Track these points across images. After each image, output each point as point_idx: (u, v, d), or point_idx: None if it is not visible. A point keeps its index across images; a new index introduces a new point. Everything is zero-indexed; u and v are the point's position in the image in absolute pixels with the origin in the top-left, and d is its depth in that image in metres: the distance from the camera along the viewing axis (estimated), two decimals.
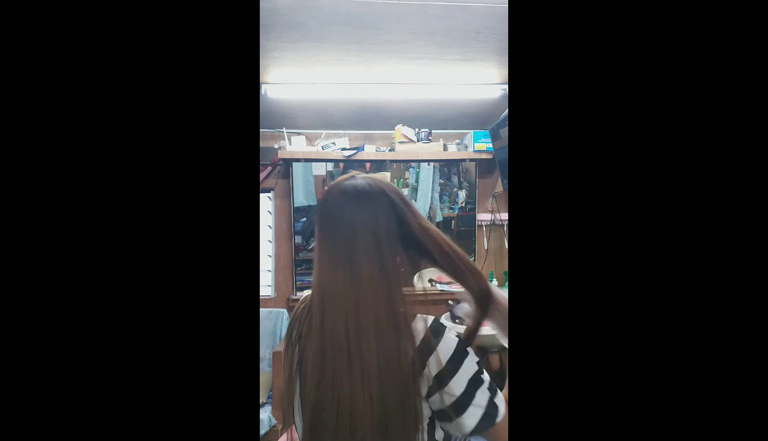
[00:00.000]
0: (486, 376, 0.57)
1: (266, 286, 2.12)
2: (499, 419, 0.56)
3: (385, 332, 0.54)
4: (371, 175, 0.62)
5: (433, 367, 0.54)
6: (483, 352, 1.85)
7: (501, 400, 0.57)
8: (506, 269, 2.18)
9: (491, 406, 0.56)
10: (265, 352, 1.95)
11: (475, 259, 2.16)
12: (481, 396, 0.56)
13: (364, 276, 0.55)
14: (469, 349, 0.57)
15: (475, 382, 0.56)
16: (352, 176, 0.62)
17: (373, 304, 0.54)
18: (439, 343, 0.55)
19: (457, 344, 0.56)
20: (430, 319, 0.58)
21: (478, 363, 0.57)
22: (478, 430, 0.55)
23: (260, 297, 2.10)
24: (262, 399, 1.80)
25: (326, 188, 0.63)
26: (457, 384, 0.55)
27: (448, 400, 0.55)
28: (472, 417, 0.55)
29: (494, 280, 2.14)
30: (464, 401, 0.55)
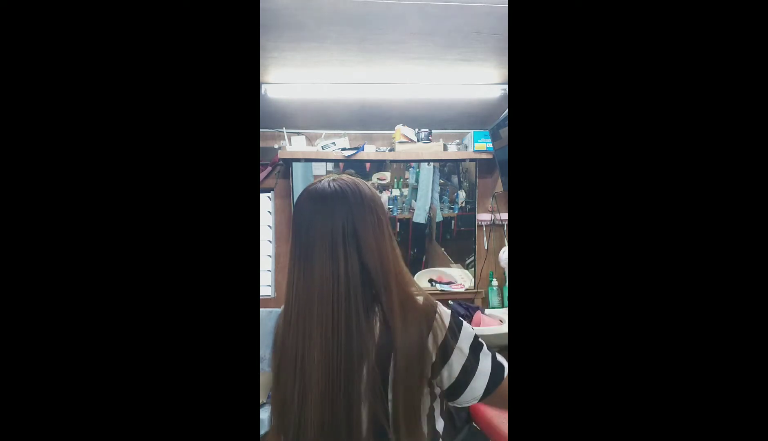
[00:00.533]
0: (482, 340, 0.59)
1: (266, 286, 2.12)
2: (505, 374, 0.58)
3: (335, 334, 0.54)
4: (342, 176, 0.62)
5: (437, 340, 0.56)
6: None
7: (502, 358, 0.60)
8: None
9: (496, 366, 0.58)
10: (265, 352, 1.94)
11: (474, 259, 2.16)
12: (485, 359, 0.58)
13: (315, 277, 0.56)
14: (462, 319, 0.60)
15: (476, 348, 0.58)
16: (320, 180, 0.62)
17: (319, 309, 0.55)
18: (434, 318, 0.57)
19: (452, 316, 0.59)
20: (448, 313, 0.59)
21: (471, 329, 0.60)
22: (488, 390, 0.57)
23: (260, 297, 2.10)
24: (262, 399, 1.80)
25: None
26: (461, 351, 0.56)
27: (456, 370, 0.56)
28: (481, 379, 0.57)
29: (494, 280, 2.14)
30: (471, 366, 0.57)
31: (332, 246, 0.56)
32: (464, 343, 0.57)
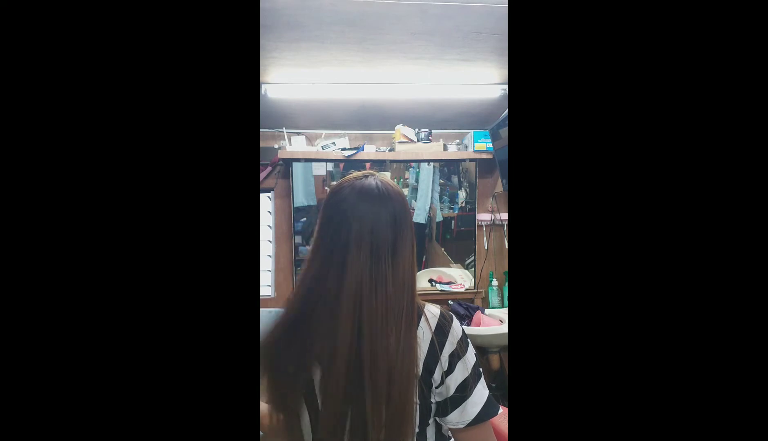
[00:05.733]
0: (481, 371, 0.60)
1: (266, 286, 2.12)
2: (499, 412, 0.58)
3: (361, 336, 0.54)
4: (384, 178, 0.62)
5: (446, 350, 0.57)
6: (483, 352, 1.86)
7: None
8: (506, 269, 2.18)
9: (492, 401, 0.58)
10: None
11: (474, 259, 2.16)
12: (483, 388, 0.58)
13: (345, 275, 0.55)
14: (468, 340, 0.60)
15: (476, 373, 0.58)
16: (364, 175, 0.61)
17: (344, 308, 0.55)
18: (450, 327, 0.58)
19: (464, 331, 0.60)
20: (438, 309, 0.60)
21: (475, 355, 0.60)
22: (479, 419, 0.57)
23: (260, 297, 2.10)
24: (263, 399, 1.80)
25: (335, 183, 0.62)
26: (465, 366, 0.57)
27: (457, 381, 0.56)
28: (475, 405, 0.57)
29: (494, 280, 2.14)
30: (469, 385, 0.57)
31: (375, 251, 0.55)
32: (469, 361, 0.58)
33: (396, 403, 0.53)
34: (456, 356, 0.57)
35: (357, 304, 0.54)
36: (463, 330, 0.60)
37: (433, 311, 0.59)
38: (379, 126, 2.09)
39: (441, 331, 0.57)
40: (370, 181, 0.60)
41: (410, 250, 0.59)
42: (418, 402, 0.56)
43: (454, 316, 0.60)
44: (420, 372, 0.55)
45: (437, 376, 0.56)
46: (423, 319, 0.58)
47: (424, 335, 0.57)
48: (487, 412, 0.57)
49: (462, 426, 0.57)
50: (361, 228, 0.56)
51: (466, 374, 0.57)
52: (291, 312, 0.60)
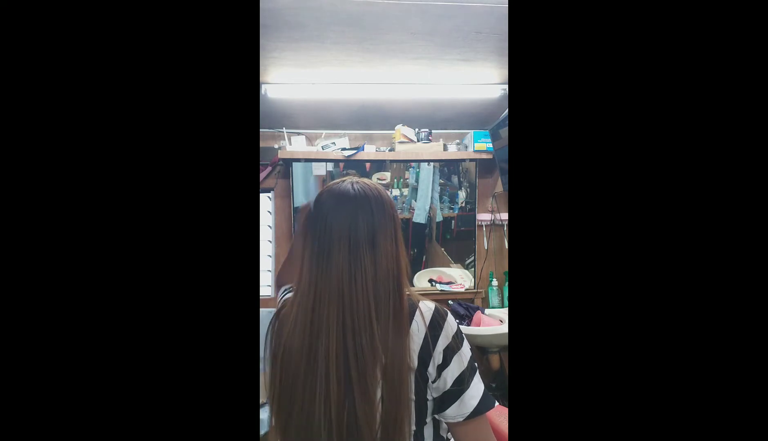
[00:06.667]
0: (476, 365, 0.61)
1: (266, 286, 2.12)
2: (495, 405, 0.60)
3: (348, 333, 0.55)
4: (363, 180, 0.64)
5: (441, 344, 0.58)
6: (483, 352, 1.86)
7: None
8: (506, 269, 2.18)
9: (488, 394, 0.59)
10: (265, 352, 1.94)
11: (474, 259, 2.16)
12: (478, 382, 0.59)
13: (332, 275, 0.57)
14: (463, 334, 0.61)
15: (472, 367, 0.59)
16: (342, 180, 0.63)
17: (333, 307, 0.56)
18: (445, 322, 0.59)
19: (458, 326, 0.61)
20: (433, 304, 0.61)
21: (470, 349, 0.61)
22: (479, 409, 0.57)
23: (260, 297, 2.10)
24: (262, 399, 1.80)
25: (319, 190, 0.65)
26: (461, 359, 0.58)
27: (454, 375, 0.57)
28: (472, 398, 0.57)
29: (494, 280, 2.14)
30: (467, 377, 0.58)
31: (353, 247, 0.57)
32: (465, 355, 0.59)
33: (389, 399, 0.54)
34: (451, 350, 0.58)
35: (339, 299, 0.56)
36: (457, 324, 0.61)
37: (428, 305, 0.60)
38: (379, 126, 2.09)
39: (435, 325, 0.58)
40: (347, 184, 0.62)
41: (392, 241, 0.60)
42: (414, 398, 0.56)
43: (448, 311, 0.61)
44: (415, 365, 0.56)
45: (432, 370, 0.57)
46: (418, 313, 0.59)
47: (418, 328, 0.58)
48: (484, 405, 0.58)
49: (461, 419, 0.58)
50: (340, 228, 0.58)
51: (463, 368, 0.58)
52: (290, 310, 0.61)
